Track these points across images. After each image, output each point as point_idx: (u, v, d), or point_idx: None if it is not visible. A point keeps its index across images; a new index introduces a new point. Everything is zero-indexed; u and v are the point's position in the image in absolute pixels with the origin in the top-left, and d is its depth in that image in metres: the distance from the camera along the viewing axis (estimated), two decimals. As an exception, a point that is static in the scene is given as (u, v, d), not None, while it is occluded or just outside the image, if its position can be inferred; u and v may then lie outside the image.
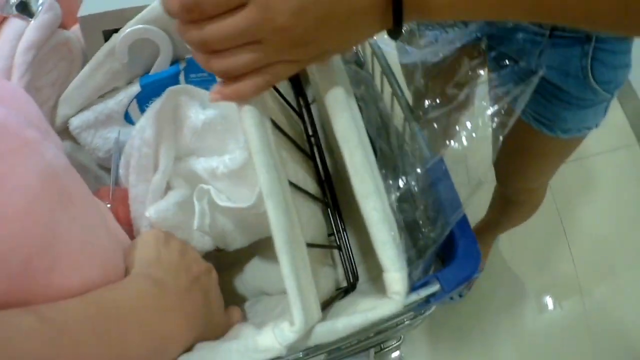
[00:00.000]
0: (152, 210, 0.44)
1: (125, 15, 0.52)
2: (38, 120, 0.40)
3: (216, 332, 0.42)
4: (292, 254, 0.30)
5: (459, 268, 0.39)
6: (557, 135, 0.64)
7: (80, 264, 0.32)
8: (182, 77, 0.52)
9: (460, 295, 1.29)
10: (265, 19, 0.28)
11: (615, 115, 1.54)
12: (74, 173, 0.36)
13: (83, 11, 0.54)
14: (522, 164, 0.78)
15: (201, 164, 0.44)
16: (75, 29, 0.58)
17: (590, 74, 0.55)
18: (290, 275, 0.29)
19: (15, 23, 0.50)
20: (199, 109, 0.44)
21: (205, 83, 0.50)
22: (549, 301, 1.32)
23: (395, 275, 0.32)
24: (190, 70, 0.52)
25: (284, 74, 0.33)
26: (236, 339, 0.33)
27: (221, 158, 0.43)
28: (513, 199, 0.96)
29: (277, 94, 0.47)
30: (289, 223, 0.31)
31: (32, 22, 0.50)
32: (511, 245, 1.36)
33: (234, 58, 0.30)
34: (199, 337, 0.38)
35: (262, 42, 0.30)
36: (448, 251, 0.42)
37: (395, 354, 1.19)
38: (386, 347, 0.75)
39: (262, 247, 0.51)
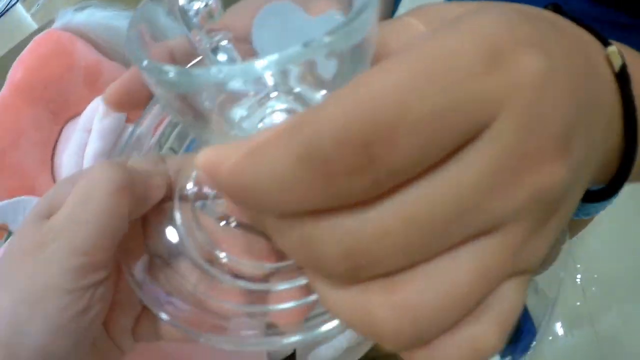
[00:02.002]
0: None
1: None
2: None
3: None
4: None
5: (523, 344, 0.61)
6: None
7: None
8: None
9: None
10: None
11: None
12: None
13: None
14: None
15: None
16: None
17: None
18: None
19: (74, 136, 0.51)
20: None
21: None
22: (560, 330, 1.52)
23: None
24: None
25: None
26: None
27: None
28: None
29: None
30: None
31: (93, 132, 0.49)
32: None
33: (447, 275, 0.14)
34: None
35: (499, 230, 0.15)
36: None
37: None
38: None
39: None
